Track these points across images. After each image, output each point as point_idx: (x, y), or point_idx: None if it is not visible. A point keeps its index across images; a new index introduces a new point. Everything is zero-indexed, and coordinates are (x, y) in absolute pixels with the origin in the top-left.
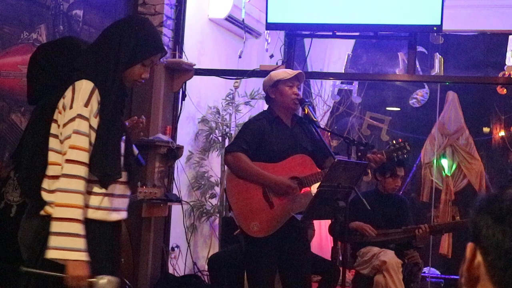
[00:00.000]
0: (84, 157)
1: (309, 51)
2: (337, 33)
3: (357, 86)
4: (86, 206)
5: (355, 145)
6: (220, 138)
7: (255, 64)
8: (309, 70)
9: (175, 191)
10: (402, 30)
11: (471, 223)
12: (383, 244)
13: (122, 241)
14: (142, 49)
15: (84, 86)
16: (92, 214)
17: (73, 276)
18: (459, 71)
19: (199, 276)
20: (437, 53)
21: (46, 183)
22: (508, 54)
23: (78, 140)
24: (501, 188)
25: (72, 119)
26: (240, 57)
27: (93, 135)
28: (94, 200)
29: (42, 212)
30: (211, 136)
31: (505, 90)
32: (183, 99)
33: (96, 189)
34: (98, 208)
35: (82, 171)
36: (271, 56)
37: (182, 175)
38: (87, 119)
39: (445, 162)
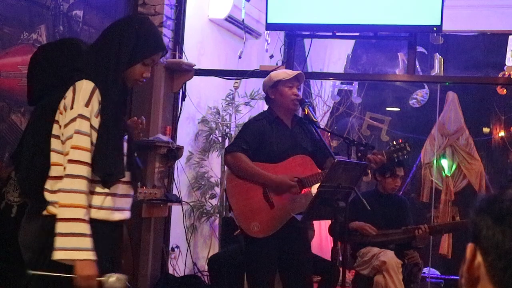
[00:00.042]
0: (86, 157)
1: (309, 51)
2: (337, 34)
3: (357, 86)
4: (89, 206)
5: (355, 145)
6: (220, 139)
7: (255, 65)
8: (309, 70)
9: (175, 192)
10: (402, 30)
11: (471, 224)
12: (383, 245)
13: (124, 242)
14: (142, 48)
15: (85, 86)
16: (95, 214)
17: (82, 276)
18: (459, 72)
19: (199, 276)
20: (437, 54)
21: (49, 184)
22: (508, 54)
23: (79, 140)
24: (501, 189)
25: (73, 120)
26: (240, 57)
27: (95, 135)
28: (96, 200)
29: (44, 212)
30: (211, 136)
31: (505, 90)
32: (183, 99)
33: (98, 188)
34: (100, 208)
35: (85, 171)
36: (271, 57)
37: (182, 176)
38: (88, 119)
39: (445, 163)
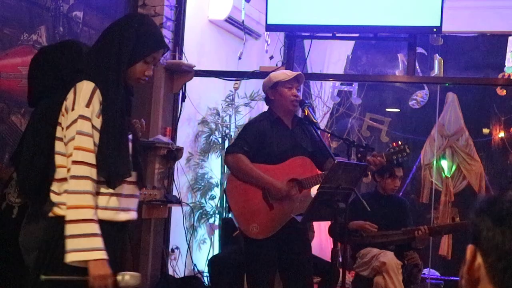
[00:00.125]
0: (90, 157)
1: (308, 52)
2: (337, 35)
3: (356, 87)
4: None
5: (355, 146)
6: (220, 140)
7: (255, 66)
8: (309, 71)
9: (175, 193)
10: (402, 31)
11: (471, 225)
12: (383, 246)
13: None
14: (143, 46)
15: (85, 87)
16: (100, 214)
17: (97, 276)
18: (459, 72)
19: (199, 277)
20: (437, 54)
21: (55, 186)
22: (507, 55)
23: (82, 141)
24: (501, 190)
25: (75, 121)
26: (240, 58)
27: (97, 135)
28: (101, 200)
29: (50, 214)
30: (211, 137)
31: (504, 91)
32: (183, 100)
33: (103, 189)
34: (105, 208)
35: (89, 171)
36: (271, 58)
37: (182, 177)
38: (89, 119)
39: (444, 163)
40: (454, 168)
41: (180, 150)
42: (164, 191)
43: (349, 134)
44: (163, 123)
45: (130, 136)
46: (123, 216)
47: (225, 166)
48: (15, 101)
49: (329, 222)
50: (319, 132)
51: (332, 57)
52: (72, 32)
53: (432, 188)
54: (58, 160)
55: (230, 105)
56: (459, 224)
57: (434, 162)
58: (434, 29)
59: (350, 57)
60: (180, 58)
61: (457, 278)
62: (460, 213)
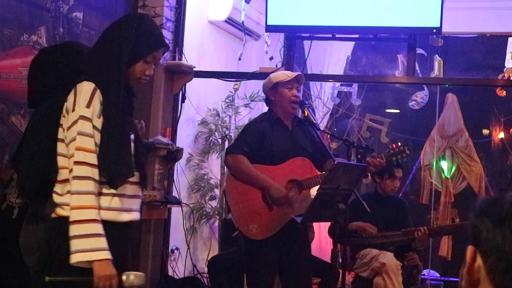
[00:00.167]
0: (91, 158)
1: (308, 53)
2: (337, 35)
3: (356, 88)
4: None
5: (355, 147)
6: (219, 140)
7: (255, 66)
8: (309, 72)
9: (174, 193)
10: (402, 32)
11: (471, 226)
12: (383, 246)
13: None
14: (142, 46)
15: (85, 88)
16: (104, 215)
17: (102, 276)
18: (459, 73)
19: (198, 278)
20: (437, 55)
21: (58, 188)
22: (507, 56)
23: (83, 141)
24: (501, 191)
25: (75, 122)
26: (239, 59)
27: (98, 135)
28: (103, 201)
29: (53, 215)
30: (211, 138)
31: (504, 92)
32: (182, 101)
33: (105, 189)
34: (108, 209)
35: (90, 172)
36: (271, 58)
37: (182, 177)
38: (89, 119)
39: (444, 164)
40: (454, 169)
41: (180, 151)
42: (164, 192)
43: (349, 135)
44: (163, 124)
45: (132, 137)
46: (125, 217)
47: (225, 167)
48: (15, 102)
49: (329, 223)
50: (319, 133)
51: (332, 58)
52: (72, 33)
53: (432, 189)
54: (61, 161)
55: (230, 106)
56: (459, 225)
57: (434, 163)
58: (434, 30)
59: (350, 58)
60: (180, 59)
61: (457, 279)
62: (460, 214)
